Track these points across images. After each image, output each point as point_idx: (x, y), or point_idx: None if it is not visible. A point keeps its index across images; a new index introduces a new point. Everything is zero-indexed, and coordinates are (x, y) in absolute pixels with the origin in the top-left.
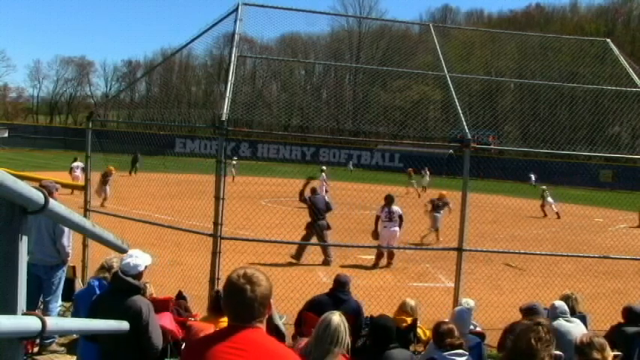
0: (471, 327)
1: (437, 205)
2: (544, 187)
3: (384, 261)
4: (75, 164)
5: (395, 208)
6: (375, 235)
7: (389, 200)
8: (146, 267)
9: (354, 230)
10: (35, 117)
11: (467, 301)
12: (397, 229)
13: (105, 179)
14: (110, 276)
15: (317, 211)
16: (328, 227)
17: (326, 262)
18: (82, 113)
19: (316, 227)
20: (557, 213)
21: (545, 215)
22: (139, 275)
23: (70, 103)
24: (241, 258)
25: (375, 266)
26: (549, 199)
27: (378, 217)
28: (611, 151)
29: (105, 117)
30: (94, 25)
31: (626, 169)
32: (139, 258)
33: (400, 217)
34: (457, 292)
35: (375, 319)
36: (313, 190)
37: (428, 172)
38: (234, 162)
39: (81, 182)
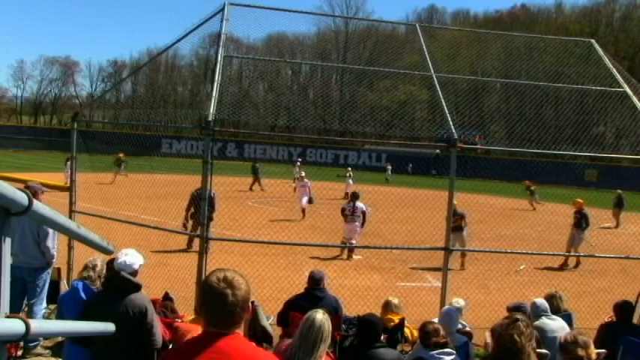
0: (460, 326)
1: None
2: (349, 168)
3: (344, 255)
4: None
5: (359, 204)
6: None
7: (354, 197)
8: (140, 265)
9: (340, 231)
10: (19, 117)
11: (457, 301)
12: (358, 224)
13: (459, 223)
14: (96, 277)
15: (199, 203)
16: (210, 219)
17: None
18: (66, 114)
19: (197, 218)
20: (347, 193)
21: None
22: (134, 273)
23: (54, 103)
24: (228, 259)
25: (335, 257)
26: (350, 180)
27: (343, 209)
28: (596, 151)
29: (90, 117)
30: (78, 24)
31: (610, 169)
32: (133, 256)
33: (363, 212)
34: (444, 292)
35: (361, 317)
36: None
37: (390, 167)
38: (298, 163)
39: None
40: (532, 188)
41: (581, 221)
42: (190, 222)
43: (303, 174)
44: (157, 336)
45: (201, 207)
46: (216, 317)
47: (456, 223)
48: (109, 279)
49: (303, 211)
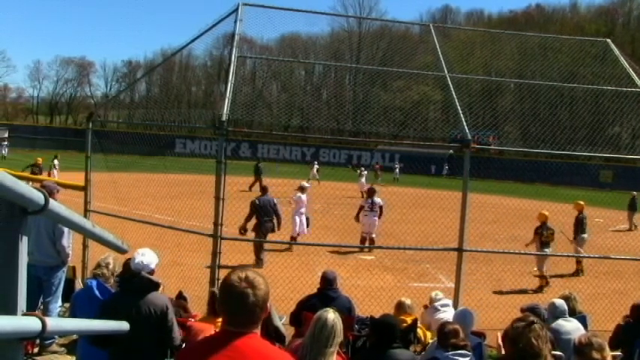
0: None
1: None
2: (362, 167)
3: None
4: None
5: (377, 199)
6: (357, 219)
7: (371, 193)
8: (156, 264)
9: (353, 231)
10: (35, 117)
11: (436, 293)
12: (377, 218)
13: (551, 239)
14: (109, 274)
15: (263, 213)
16: (273, 230)
17: (257, 264)
18: (82, 114)
19: (262, 229)
20: (362, 192)
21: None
22: (152, 272)
23: (70, 103)
24: (241, 258)
25: (361, 251)
26: (363, 180)
27: (361, 207)
28: (611, 152)
29: (105, 117)
30: (94, 25)
31: (626, 170)
32: (150, 256)
33: (381, 207)
34: (457, 293)
35: (378, 318)
36: (264, 191)
37: (398, 166)
38: (316, 166)
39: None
40: (378, 173)
41: (576, 227)
42: (252, 234)
43: (304, 183)
44: (177, 334)
45: (215, 205)
46: (236, 316)
47: (548, 238)
48: (127, 280)
49: (294, 238)
